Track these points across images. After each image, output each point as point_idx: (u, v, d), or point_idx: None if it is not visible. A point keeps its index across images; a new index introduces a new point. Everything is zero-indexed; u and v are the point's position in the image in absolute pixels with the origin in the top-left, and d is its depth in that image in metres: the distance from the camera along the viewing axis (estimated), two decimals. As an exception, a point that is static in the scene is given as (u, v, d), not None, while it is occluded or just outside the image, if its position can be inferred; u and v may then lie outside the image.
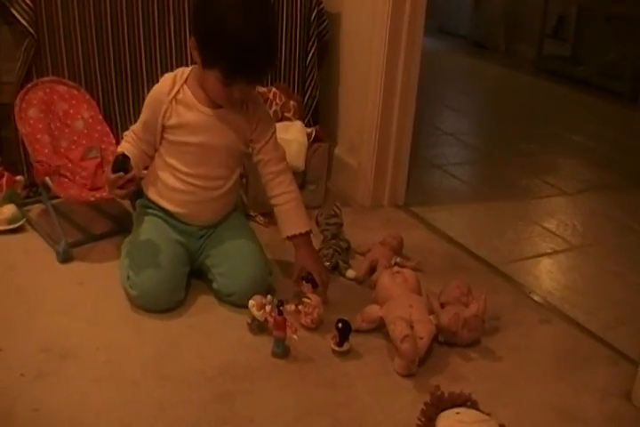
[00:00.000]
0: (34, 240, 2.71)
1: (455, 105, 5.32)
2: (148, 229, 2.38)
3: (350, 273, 2.59)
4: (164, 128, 2.30)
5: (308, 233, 2.41)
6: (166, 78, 2.31)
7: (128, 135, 2.37)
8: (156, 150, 2.37)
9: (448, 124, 4.81)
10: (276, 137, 2.43)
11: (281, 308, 2.12)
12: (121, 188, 2.15)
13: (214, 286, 2.39)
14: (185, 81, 2.28)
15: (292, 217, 2.42)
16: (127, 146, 2.33)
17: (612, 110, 5.36)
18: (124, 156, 2.15)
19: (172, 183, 2.35)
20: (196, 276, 2.45)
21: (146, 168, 2.44)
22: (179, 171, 2.34)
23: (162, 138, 2.33)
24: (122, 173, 2.12)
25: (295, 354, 2.16)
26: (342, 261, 2.62)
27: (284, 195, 2.41)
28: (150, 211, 2.42)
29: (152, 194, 2.42)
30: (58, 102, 2.81)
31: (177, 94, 2.27)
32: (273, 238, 2.80)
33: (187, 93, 2.27)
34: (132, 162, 2.17)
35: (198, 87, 2.26)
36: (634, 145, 4.58)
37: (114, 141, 2.81)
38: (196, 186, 2.34)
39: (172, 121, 2.28)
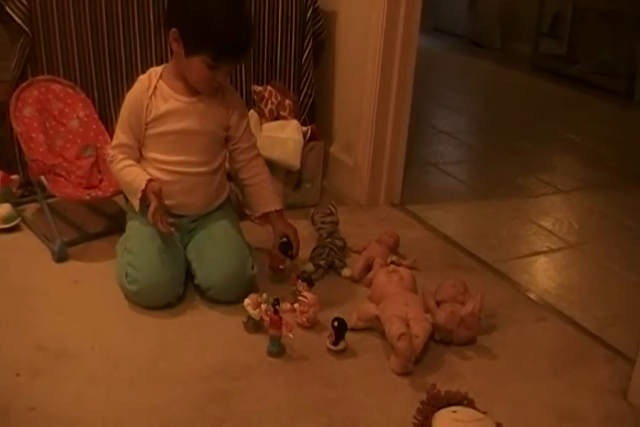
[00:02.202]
0: (29, 239, 2.70)
1: (451, 103, 5.31)
2: (145, 226, 2.38)
3: (346, 272, 2.59)
4: (146, 125, 2.35)
5: (281, 210, 2.54)
6: (141, 79, 2.39)
7: (116, 154, 2.37)
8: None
9: (444, 122, 4.81)
10: (249, 126, 2.52)
11: (277, 306, 2.12)
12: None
13: (195, 281, 2.40)
14: (160, 77, 2.36)
15: (266, 197, 2.54)
16: (134, 169, 2.34)
17: (607, 108, 5.36)
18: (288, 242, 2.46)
19: (156, 176, 2.35)
20: (190, 274, 2.44)
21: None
22: (160, 162, 2.37)
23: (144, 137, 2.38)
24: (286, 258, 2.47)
25: (291, 353, 2.16)
26: (338, 260, 2.62)
27: (256, 176, 2.53)
28: (144, 208, 2.42)
29: None
30: (53, 101, 2.80)
31: (155, 90, 2.34)
32: (268, 238, 2.80)
33: (163, 87, 2.35)
34: (149, 175, 2.32)
35: (174, 79, 2.35)
36: (629, 143, 4.58)
37: (109, 140, 2.79)
38: (180, 173, 2.37)
39: (152, 115, 2.34)
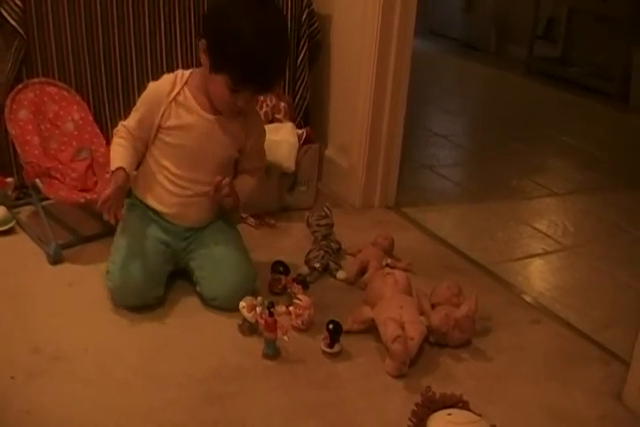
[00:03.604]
0: (24, 242, 2.70)
1: (446, 106, 5.32)
2: (133, 225, 2.38)
3: (341, 274, 2.59)
4: (159, 128, 2.29)
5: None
6: (166, 79, 2.29)
7: (120, 131, 2.33)
8: (146, 148, 2.36)
9: (439, 125, 4.81)
10: (263, 148, 2.48)
11: (272, 309, 2.12)
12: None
13: (197, 288, 2.39)
14: (185, 83, 2.27)
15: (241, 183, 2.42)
16: (121, 151, 2.29)
17: (602, 111, 5.37)
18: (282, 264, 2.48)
19: (163, 184, 2.35)
20: (185, 277, 2.45)
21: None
22: (171, 173, 2.33)
23: (156, 137, 2.32)
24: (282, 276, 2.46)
25: (286, 355, 2.15)
26: (333, 262, 2.62)
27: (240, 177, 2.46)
28: (137, 208, 2.42)
29: (141, 193, 2.41)
30: (48, 104, 2.80)
31: (177, 96, 2.26)
32: (263, 240, 2.81)
33: (187, 96, 2.27)
34: (127, 164, 2.24)
35: (199, 91, 2.26)
36: (624, 145, 4.59)
37: (104, 143, 2.81)
38: (186, 188, 2.34)
39: (171, 122, 2.27)
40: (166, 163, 2.33)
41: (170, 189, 2.35)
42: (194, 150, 2.30)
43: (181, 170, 2.32)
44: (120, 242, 2.37)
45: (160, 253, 2.37)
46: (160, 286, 2.36)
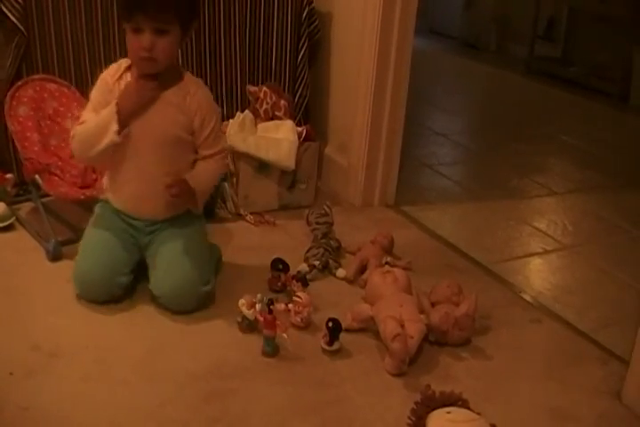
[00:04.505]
0: (23, 239, 2.70)
1: (446, 105, 5.32)
2: (97, 218, 2.38)
3: (341, 272, 2.59)
4: None
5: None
6: (111, 66, 2.28)
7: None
8: None
9: (439, 124, 4.81)
10: (219, 131, 2.37)
11: (271, 306, 2.12)
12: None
13: (149, 286, 2.34)
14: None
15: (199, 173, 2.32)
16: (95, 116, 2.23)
17: (601, 111, 5.37)
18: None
19: (116, 175, 2.32)
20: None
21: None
22: (120, 163, 2.28)
23: None
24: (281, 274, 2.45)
25: (285, 353, 2.15)
26: (333, 261, 2.62)
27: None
28: (105, 209, 2.40)
29: (107, 193, 2.39)
30: (48, 100, 2.80)
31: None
32: (263, 238, 2.81)
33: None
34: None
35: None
36: (623, 145, 4.59)
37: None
38: (132, 179, 2.29)
39: None
40: (117, 154, 2.26)
41: (121, 180, 2.31)
42: (136, 131, 2.21)
43: (126, 159, 2.26)
44: (84, 236, 2.38)
45: (118, 244, 2.33)
46: (120, 276, 2.32)
